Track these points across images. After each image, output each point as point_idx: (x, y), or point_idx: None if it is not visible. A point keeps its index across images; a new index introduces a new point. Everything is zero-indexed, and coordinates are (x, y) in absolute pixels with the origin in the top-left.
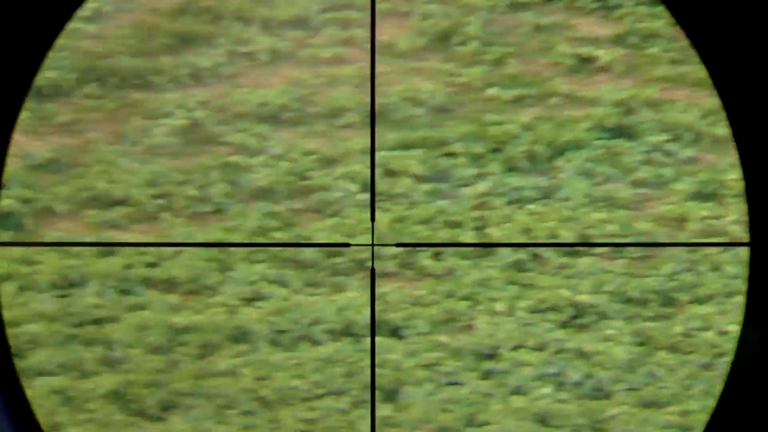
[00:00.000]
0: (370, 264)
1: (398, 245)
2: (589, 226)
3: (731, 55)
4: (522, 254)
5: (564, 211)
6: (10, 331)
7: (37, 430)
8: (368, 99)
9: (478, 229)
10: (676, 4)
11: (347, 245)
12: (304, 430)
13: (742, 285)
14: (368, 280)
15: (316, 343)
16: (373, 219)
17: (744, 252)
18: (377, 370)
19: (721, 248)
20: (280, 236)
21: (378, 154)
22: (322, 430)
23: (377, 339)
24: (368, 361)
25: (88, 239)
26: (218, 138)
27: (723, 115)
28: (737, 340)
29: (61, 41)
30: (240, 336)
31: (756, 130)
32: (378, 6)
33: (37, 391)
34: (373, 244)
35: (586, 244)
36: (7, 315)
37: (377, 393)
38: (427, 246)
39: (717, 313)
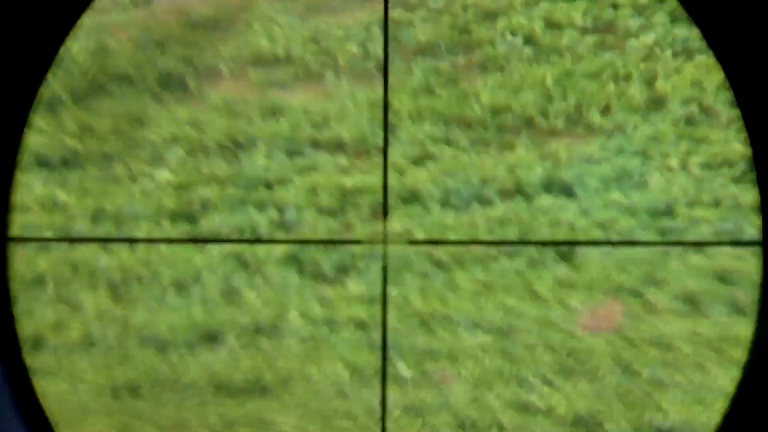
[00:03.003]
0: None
1: (410, 242)
2: None
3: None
4: (693, 107)
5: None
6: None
7: (48, 429)
8: None
9: (647, 82)
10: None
11: (359, 242)
12: None
13: None
14: (536, 138)
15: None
16: (385, 215)
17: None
18: (551, 230)
19: None
20: (441, 93)
21: (538, 6)
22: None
23: (549, 198)
24: (541, 220)
25: (252, 100)
26: None
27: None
28: (753, 334)
29: None
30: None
31: None
32: None
33: (211, 254)
34: (385, 242)
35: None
36: (179, 178)
37: (552, 252)
38: (442, 243)
39: None
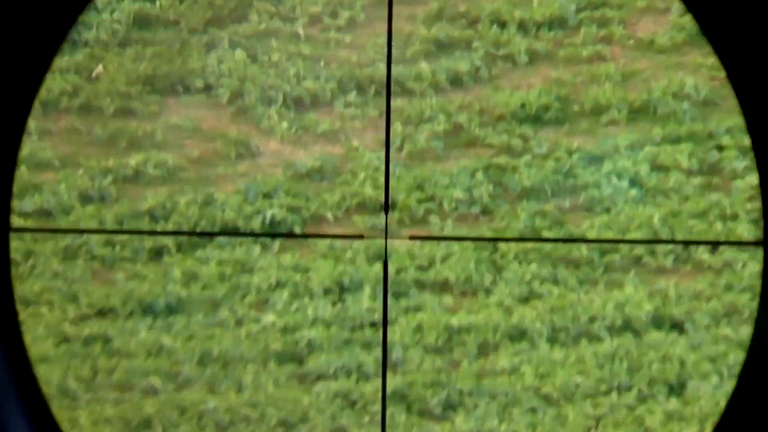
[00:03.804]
0: (644, 261)
1: (412, 238)
2: None
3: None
4: None
5: None
6: None
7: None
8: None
9: (754, 221)
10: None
11: (361, 237)
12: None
13: None
14: (645, 276)
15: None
16: (386, 211)
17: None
18: (663, 365)
19: None
20: (549, 234)
21: (644, 149)
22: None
23: (656, 334)
24: (650, 356)
25: (357, 245)
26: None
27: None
28: (752, 336)
29: (318, 51)
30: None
31: None
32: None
33: (318, 396)
34: (386, 238)
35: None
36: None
37: (662, 387)
38: (439, 239)
39: None
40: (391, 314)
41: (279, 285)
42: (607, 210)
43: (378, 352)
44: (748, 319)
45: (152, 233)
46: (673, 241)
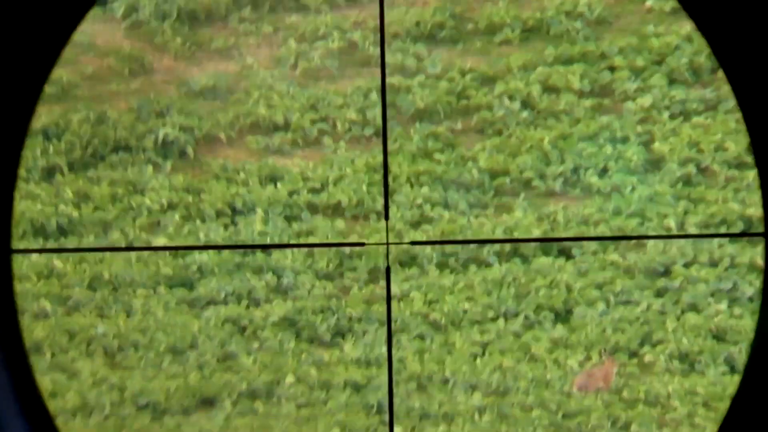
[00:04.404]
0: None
1: (412, 243)
2: None
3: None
4: (691, 168)
5: (731, 123)
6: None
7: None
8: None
9: (645, 144)
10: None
11: (362, 244)
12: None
13: None
14: (534, 200)
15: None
16: (387, 218)
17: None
18: (550, 291)
19: None
20: (441, 158)
21: (537, 70)
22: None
23: (546, 259)
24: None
25: (250, 166)
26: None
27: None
28: (756, 328)
29: None
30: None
31: None
32: None
33: (208, 321)
34: (387, 243)
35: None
36: (176, 242)
37: (548, 314)
38: (440, 243)
39: None
40: (282, 238)
41: (171, 207)
42: (499, 132)
43: (269, 277)
44: (636, 245)
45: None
46: (685, 236)
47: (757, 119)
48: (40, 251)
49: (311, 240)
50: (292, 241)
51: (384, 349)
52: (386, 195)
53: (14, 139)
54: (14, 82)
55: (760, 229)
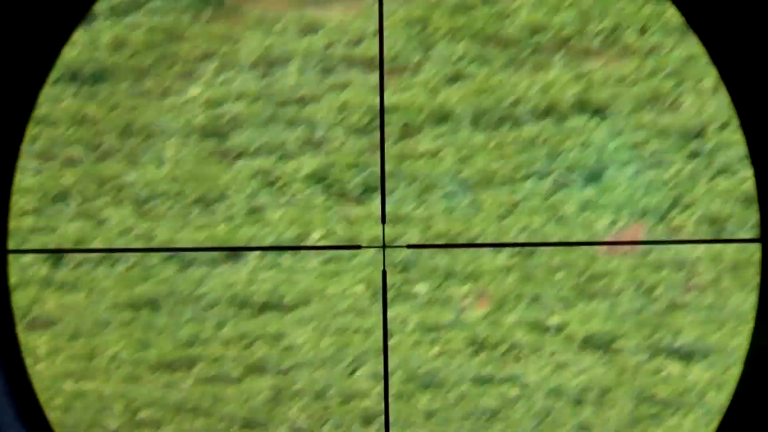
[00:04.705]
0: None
1: (408, 246)
2: None
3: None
4: None
5: None
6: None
7: None
8: None
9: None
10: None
11: (358, 247)
12: None
13: None
14: (570, 59)
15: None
16: (384, 221)
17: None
18: (582, 152)
19: None
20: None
21: None
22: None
23: (579, 118)
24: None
25: (289, 15)
26: None
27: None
28: (751, 335)
29: None
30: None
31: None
32: None
33: (239, 173)
34: (384, 246)
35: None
36: (209, 94)
37: (579, 175)
38: (437, 247)
39: None
40: (316, 91)
41: (207, 56)
42: None
43: (301, 131)
44: (671, 106)
45: None
46: (689, 241)
47: (753, 127)
48: (36, 251)
49: (344, 94)
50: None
51: (412, 206)
52: (383, 201)
53: (11, 139)
54: (17, 70)
55: None
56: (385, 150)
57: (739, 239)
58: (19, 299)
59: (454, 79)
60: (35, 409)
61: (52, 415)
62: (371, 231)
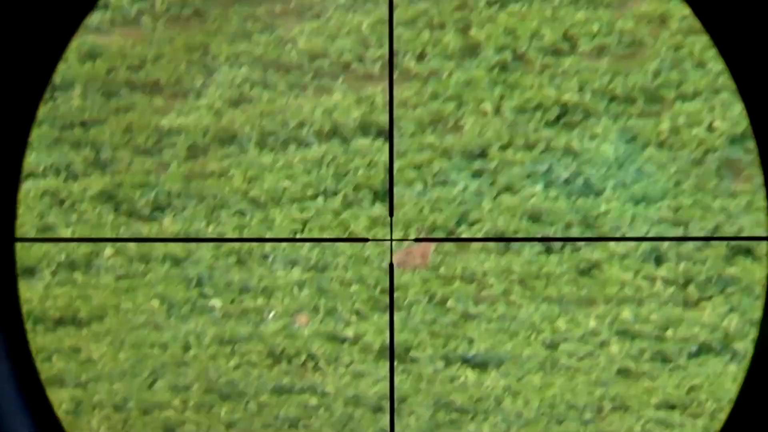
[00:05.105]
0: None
1: (416, 240)
2: (571, 25)
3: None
4: (507, 55)
5: (547, 12)
6: None
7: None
8: None
9: (461, 30)
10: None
11: (366, 240)
12: None
13: (728, 81)
14: (353, 83)
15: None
16: (391, 215)
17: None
18: (369, 171)
19: (705, 44)
20: (260, 39)
21: None
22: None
23: (363, 141)
24: (356, 162)
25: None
26: None
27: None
28: (759, 331)
29: None
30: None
31: None
32: None
33: (28, 193)
34: (391, 239)
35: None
36: None
37: (368, 193)
38: (447, 241)
39: (705, 109)
40: (101, 114)
41: None
42: (317, 16)
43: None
44: (453, 128)
45: None
46: (696, 238)
47: (765, 131)
48: (39, 240)
49: (128, 116)
50: (110, 118)
51: (204, 223)
52: (391, 194)
53: (18, 136)
54: (16, 80)
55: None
56: (173, 170)
57: (747, 237)
58: None
59: (238, 102)
60: (40, 397)
61: None
62: (164, 248)
